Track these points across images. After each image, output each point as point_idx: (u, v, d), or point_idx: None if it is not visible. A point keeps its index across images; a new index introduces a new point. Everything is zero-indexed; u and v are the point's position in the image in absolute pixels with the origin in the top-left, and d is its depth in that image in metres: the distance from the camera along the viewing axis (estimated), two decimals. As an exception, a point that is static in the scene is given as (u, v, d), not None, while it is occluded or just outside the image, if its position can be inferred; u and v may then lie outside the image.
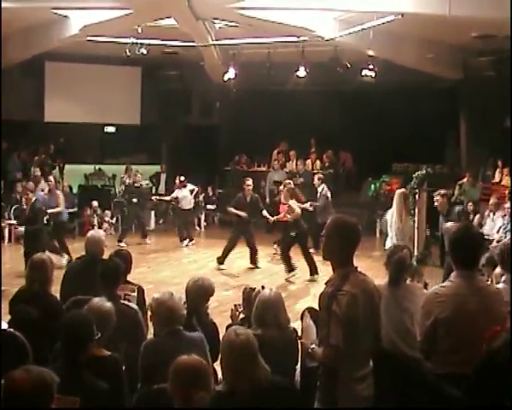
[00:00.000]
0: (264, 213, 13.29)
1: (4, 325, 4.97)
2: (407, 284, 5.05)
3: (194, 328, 4.87)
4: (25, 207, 12.94)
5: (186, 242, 15.53)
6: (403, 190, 9.95)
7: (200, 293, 5.34)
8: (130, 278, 6.25)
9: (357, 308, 3.80)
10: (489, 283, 4.83)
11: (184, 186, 16.03)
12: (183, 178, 16.09)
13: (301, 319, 4.93)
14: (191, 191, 16.27)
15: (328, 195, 14.24)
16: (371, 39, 12.67)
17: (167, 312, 4.55)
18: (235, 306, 5.78)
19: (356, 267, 3.99)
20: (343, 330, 3.73)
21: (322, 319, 3.89)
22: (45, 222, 11.72)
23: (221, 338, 5.50)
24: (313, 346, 4.04)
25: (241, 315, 5.69)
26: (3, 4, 11.14)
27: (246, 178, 13.57)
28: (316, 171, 18.26)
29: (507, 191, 14.74)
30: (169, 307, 4.56)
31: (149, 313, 4.86)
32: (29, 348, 3.95)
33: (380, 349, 4.14)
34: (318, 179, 14.75)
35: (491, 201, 13.17)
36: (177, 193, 16.01)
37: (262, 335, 4.42)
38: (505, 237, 12.08)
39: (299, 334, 4.87)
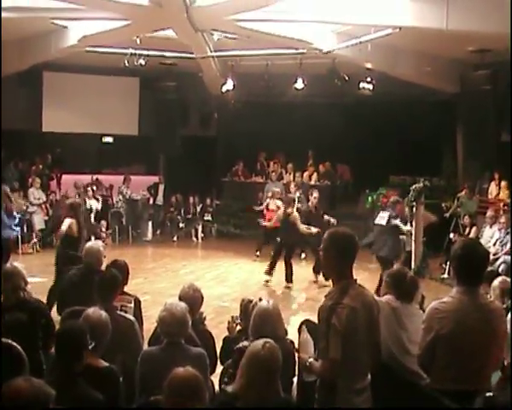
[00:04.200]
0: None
1: None
2: (407, 305, 5.05)
3: (194, 341, 4.85)
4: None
5: None
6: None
7: (190, 301, 5.29)
8: (127, 288, 6.23)
9: (357, 321, 3.80)
10: (491, 299, 4.81)
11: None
12: None
13: (298, 331, 4.93)
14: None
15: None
16: (369, 52, 12.72)
17: (172, 322, 4.54)
18: (232, 318, 5.77)
19: (355, 280, 3.99)
20: (342, 344, 3.73)
21: (321, 332, 3.88)
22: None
23: (218, 350, 5.55)
24: (311, 360, 4.03)
25: (238, 327, 5.68)
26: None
27: (313, 190, 13.45)
28: (313, 183, 18.31)
29: (501, 204, 14.78)
30: (174, 317, 4.55)
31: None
32: (25, 358, 3.94)
33: (379, 362, 4.13)
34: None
35: (488, 214, 13.19)
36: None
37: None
38: (501, 250, 12.12)
39: (296, 347, 4.86)
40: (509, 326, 4.61)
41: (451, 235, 14.11)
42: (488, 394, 4.02)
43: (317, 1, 11.33)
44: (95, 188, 17.27)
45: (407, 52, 14.14)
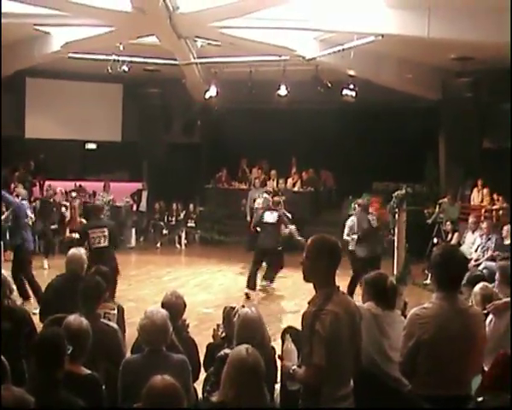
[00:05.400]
0: None
1: None
2: (389, 312, 5.07)
3: (176, 348, 4.85)
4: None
5: None
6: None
7: (173, 307, 5.28)
8: (110, 296, 6.21)
9: (340, 328, 3.81)
10: (470, 304, 4.86)
11: None
12: None
13: (281, 338, 4.94)
14: None
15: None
16: (352, 59, 12.79)
17: (152, 330, 4.54)
18: (218, 326, 5.77)
19: (338, 287, 4.01)
20: (326, 350, 3.74)
21: (305, 338, 3.88)
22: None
23: (202, 357, 5.54)
24: (294, 367, 4.04)
25: (223, 334, 5.68)
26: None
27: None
28: (297, 190, 18.37)
29: (483, 210, 14.93)
30: (154, 325, 4.54)
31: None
32: (7, 366, 3.93)
33: (361, 368, 4.15)
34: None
35: (471, 220, 13.28)
36: None
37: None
38: (483, 256, 12.21)
39: (279, 354, 4.87)
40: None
41: (435, 240, 14.23)
42: (479, 399, 4.06)
43: (300, 8, 11.38)
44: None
45: (390, 59, 14.26)
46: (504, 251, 11.75)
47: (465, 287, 6.56)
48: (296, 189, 18.67)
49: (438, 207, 15.29)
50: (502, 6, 9.63)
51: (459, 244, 12.90)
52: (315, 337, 3.77)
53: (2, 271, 5.84)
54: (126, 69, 14.52)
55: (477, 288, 5.88)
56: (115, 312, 5.90)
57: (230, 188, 19.45)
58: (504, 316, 5.29)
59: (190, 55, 14.31)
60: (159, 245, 18.16)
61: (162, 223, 18.62)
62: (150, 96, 18.03)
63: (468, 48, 12.42)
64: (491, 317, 5.36)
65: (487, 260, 11.97)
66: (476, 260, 12.06)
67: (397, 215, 9.95)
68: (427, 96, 15.83)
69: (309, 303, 3.98)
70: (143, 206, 19.11)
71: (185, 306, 5.54)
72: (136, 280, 13.38)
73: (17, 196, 11.45)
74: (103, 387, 4.35)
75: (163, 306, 5.16)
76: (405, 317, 4.78)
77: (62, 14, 12.19)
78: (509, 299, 5.37)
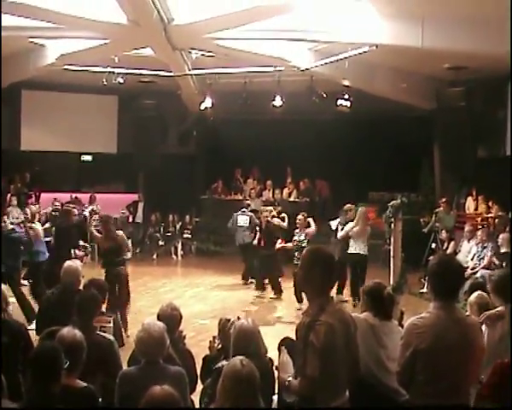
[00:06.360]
0: None
1: None
2: (386, 322, 5.06)
3: (173, 360, 4.84)
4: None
5: None
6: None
7: (169, 320, 5.28)
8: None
9: (335, 338, 3.81)
10: (467, 313, 4.86)
11: None
12: None
13: (278, 349, 4.93)
14: None
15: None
16: (346, 69, 12.85)
17: (149, 342, 4.53)
18: (214, 338, 5.76)
19: (332, 297, 4.02)
20: (320, 361, 3.74)
21: (300, 350, 3.89)
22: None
23: (198, 369, 5.53)
24: (290, 378, 4.04)
25: (219, 346, 5.67)
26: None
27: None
28: (292, 200, 18.37)
29: (479, 219, 14.95)
30: (152, 337, 4.54)
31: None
32: (3, 380, 3.92)
33: (358, 378, 4.15)
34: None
35: (466, 228, 13.29)
36: None
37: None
38: (479, 264, 12.22)
39: (276, 366, 4.86)
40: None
41: (433, 245, 14.27)
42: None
43: (294, 19, 11.42)
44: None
45: (384, 69, 14.30)
46: (500, 259, 11.78)
47: (466, 295, 6.55)
48: (292, 199, 18.67)
49: (434, 216, 15.30)
50: (495, 16, 9.70)
51: (455, 253, 12.91)
52: (309, 349, 3.77)
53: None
54: (121, 81, 14.56)
55: (473, 297, 5.85)
56: (111, 324, 5.89)
57: (226, 198, 19.45)
58: (498, 326, 5.28)
59: (185, 67, 14.34)
60: (155, 256, 18.13)
61: (158, 234, 18.62)
62: (145, 107, 18.05)
63: (462, 57, 12.47)
64: (484, 327, 5.35)
65: (483, 268, 11.99)
66: (472, 269, 12.07)
67: (392, 225, 9.92)
68: (422, 105, 15.88)
69: (303, 314, 3.99)
70: (139, 217, 19.10)
71: (181, 317, 5.53)
72: (133, 292, 13.29)
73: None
74: (100, 400, 4.34)
75: (159, 318, 5.16)
76: (402, 326, 4.77)
77: (57, 27, 12.21)
78: (500, 308, 5.36)
